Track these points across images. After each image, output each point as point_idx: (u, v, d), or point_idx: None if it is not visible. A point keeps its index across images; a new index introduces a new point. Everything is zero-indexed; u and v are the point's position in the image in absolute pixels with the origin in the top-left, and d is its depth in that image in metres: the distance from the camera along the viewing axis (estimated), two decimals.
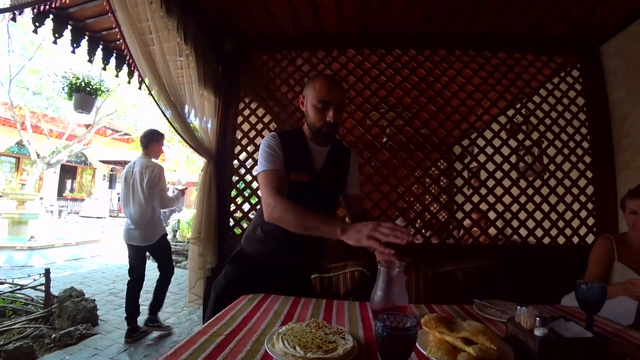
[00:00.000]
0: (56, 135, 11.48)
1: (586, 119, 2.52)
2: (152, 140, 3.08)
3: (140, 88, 3.07)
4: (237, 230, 2.52)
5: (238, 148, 2.55)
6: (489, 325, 1.07)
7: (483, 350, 0.77)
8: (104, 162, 15.92)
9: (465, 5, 2.16)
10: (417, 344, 0.87)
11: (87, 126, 11.41)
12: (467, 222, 2.46)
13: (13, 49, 9.28)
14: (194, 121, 2.34)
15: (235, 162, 2.54)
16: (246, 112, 2.56)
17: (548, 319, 0.88)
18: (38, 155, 9.90)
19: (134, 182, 2.99)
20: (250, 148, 2.55)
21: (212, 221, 2.30)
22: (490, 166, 2.47)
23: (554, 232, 2.38)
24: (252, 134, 2.55)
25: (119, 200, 17.89)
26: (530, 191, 2.43)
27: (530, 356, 0.84)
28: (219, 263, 2.34)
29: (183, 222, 8.73)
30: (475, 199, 2.43)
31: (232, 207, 2.54)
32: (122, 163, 15.73)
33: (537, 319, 0.86)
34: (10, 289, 3.63)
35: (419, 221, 2.60)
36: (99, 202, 15.58)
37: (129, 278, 3.17)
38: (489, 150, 2.49)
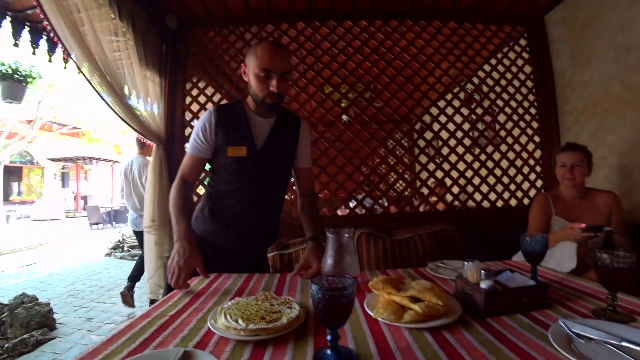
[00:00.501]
0: None
1: (533, 87, 2.62)
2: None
3: (78, 73, 2.84)
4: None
5: (188, 130, 2.41)
6: (441, 285, 1.09)
7: (429, 307, 0.77)
8: (53, 159, 14.79)
9: None
10: (366, 307, 0.87)
11: (30, 122, 10.49)
12: (424, 190, 2.52)
13: None
14: (138, 104, 2.18)
15: (187, 144, 2.40)
16: (195, 92, 2.42)
17: (493, 271, 0.90)
18: None
19: (133, 178, 3.44)
20: None
21: (166, 207, 2.17)
22: (444, 134, 2.51)
23: (506, 195, 2.49)
24: (202, 114, 2.40)
25: (72, 198, 16.84)
26: (483, 157, 2.51)
27: (477, 308, 0.85)
28: None
29: None
30: (431, 167, 2.49)
31: None
32: (74, 159, 14.70)
33: (482, 272, 0.88)
34: None
35: (377, 192, 2.62)
36: (51, 203, 14.51)
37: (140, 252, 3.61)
38: (443, 119, 2.53)
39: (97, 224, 11.49)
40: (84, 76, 1.88)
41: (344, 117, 2.53)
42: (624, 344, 0.65)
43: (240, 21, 2.44)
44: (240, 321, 0.73)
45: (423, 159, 2.58)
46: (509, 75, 2.59)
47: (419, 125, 2.79)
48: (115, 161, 15.90)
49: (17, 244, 7.25)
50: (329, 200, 2.50)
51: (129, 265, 6.22)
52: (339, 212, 2.52)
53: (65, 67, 2.89)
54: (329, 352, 0.64)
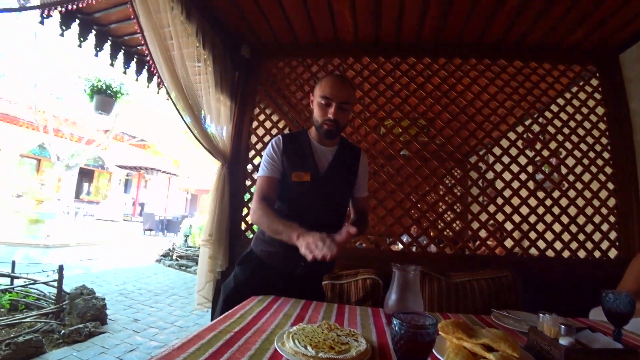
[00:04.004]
0: (76, 139, 11.85)
1: (606, 129, 2.43)
2: None
3: (158, 92, 3.21)
4: (249, 234, 2.51)
5: (252, 152, 2.57)
6: None
7: (505, 357, 0.73)
8: (120, 167, 16.27)
9: (478, 15, 2.16)
10: (433, 350, 0.84)
11: (106, 131, 11.75)
12: (483, 233, 2.39)
13: (39, 51, 9.71)
14: (210, 125, 2.38)
15: (250, 166, 2.56)
16: (261, 117, 2.58)
17: (574, 328, 0.83)
18: (58, 158, 10.20)
19: None
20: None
21: (224, 224, 2.30)
22: (507, 176, 2.41)
23: (574, 245, 2.29)
24: (267, 138, 2.56)
25: (131, 203, 18.23)
26: (548, 202, 2.35)
27: None
28: (229, 266, 2.33)
29: (195, 227, 8.81)
30: (492, 209, 2.37)
31: (245, 211, 2.54)
32: (138, 168, 16.05)
33: (563, 327, 0.82)
34: (24, 284, 3.71)
35: (431, 231, 2.54)
36: (113, 205, 15.88)
37: None
38: (506, 159, 2.43)
39: (150, 230, 12.24)
40: (172, 101, 2.10)
41: (403, 151, 2.54)
42: None
43: (308, 54, 2.60)
44: (309, 348, 0.75)
45: (483, 199, 2.48)
46: (578, 117, 2.45)
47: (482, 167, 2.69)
48: (174, 174, 17.11)
49: (83, 239, 7.94)
50: (383, 234, 2.48)
51: (176, 274, 6.53)
52: (393, 248, 2.48)
53: (148, 86, 3.29)
54: None
